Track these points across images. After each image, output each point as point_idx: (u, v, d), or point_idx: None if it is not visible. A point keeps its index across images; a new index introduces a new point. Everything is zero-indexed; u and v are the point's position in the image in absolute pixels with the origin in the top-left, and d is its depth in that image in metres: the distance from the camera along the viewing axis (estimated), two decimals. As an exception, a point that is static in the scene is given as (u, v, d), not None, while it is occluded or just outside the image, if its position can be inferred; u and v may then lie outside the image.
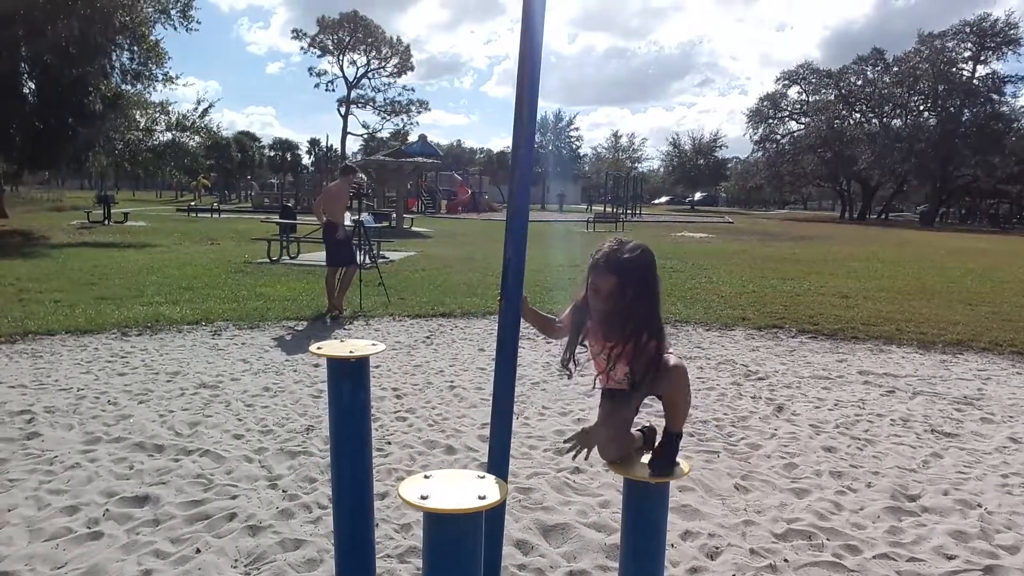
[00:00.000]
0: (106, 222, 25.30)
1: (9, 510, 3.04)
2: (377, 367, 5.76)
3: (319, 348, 2.05)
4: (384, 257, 13.73)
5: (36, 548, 2.74)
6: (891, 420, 4.71)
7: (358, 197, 12.43)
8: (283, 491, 3.30)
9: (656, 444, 2.14)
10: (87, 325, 6.94)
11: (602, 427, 2.10)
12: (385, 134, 71.04)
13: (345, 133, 70.53)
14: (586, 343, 2.14)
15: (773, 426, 4.53)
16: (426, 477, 1.47)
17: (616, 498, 3.29)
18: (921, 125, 48.32)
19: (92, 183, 55.43)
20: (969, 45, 47.13)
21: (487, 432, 4.22)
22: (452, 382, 5.38)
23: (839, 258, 16.88)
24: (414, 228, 25.60)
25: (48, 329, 6.70)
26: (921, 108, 49.77)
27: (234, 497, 3.21)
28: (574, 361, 2.15)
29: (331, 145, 74.52)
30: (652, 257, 2.01)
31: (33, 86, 18.94)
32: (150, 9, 19.78)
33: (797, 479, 3.67)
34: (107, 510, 3.03)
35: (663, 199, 79.18)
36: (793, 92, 56.25)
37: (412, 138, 58.59)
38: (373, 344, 2.11)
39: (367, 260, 10.08)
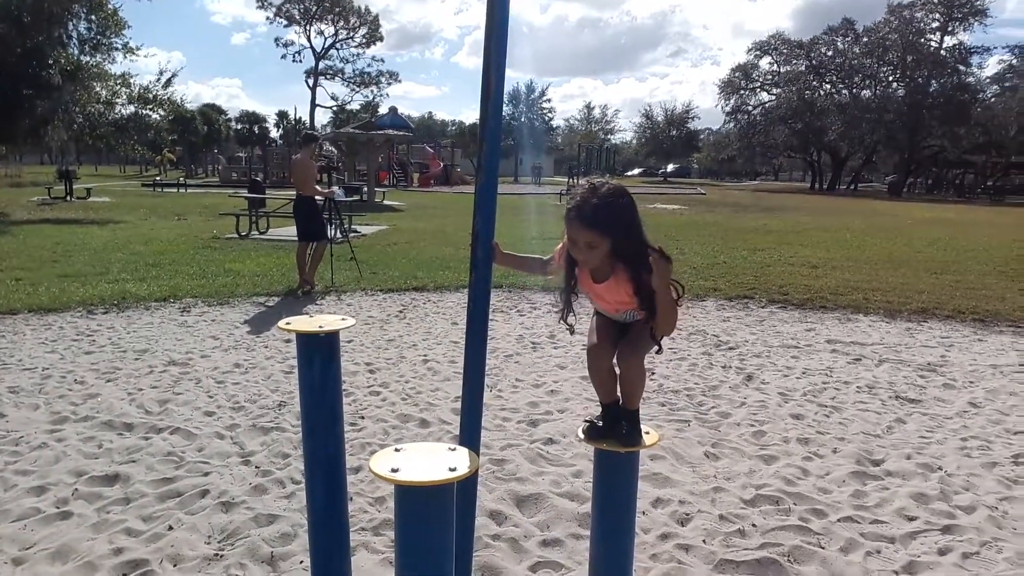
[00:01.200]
0: (68, 198, 24.66)
1: (-26, 492, 2.99)
2: (349, 342, 5.73)
3: (288, 324, 2.03)
4: (356, 231, 13.60)
5: (2, 529, 2.70)
6: (857, 387, 4.82)
7: (328, 170, 12.24)
8: (256, 467, 3.28)
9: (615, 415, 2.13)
10: (51, 303, 6.79)
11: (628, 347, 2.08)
12: (355, 106, 69.95)
13: (314, 105, 69.33)
14: (578, 289, 2.13)
15: (743, 395, 4.61)
16: (397, 450, 1.47)
17: (588, 468, 3.33)
18: (890, 96, 48.81)
19: (52, 158, 53.87)
20: (937, 16, 47.54)
21: (459, 405, 4.25)
22: (425, 356, 5.37)
23: (809, 229, 17.09)
24: (386, 202, 25.34)
25: (10, 308, 6.54)
26: (890, 79, 50.26)
27: (206, 474, 3.19)
28: (572, 312, 2.13)
29: (300, 118, 73.16)
30: (627, 198, 1.99)
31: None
32: (106, -25, 19.14)
33: (765, 446, 3.74)
34: (76, 489, 3.00)
35: (636, 171, 79.24)
36: (764, 63, 56.38)
37: (383, 110, 57.73)
38: (343, 319, 2.09)
39: (338, 234, 9.98)
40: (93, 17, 19.13)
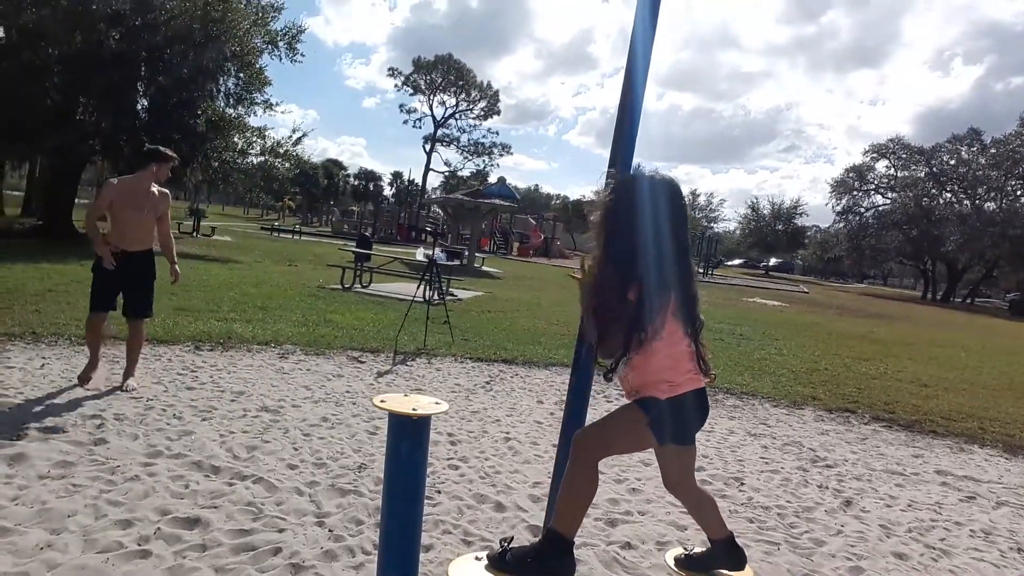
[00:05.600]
0: (195, 234, 26.59)
1: (69, 516, 3.12)
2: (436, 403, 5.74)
3: (383, 401, 2.04)
4: (453, 295, 13.87)
5: (88, 559, 2.79)
6: (971, 531, 4.38)
7: (434, 235, 12.62)
8: (329, 530, 3.28)
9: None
10: (164, 335, 7.20)
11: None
12: (466, 173, 72.67)
13: (427, 169, 72.50)
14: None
15: (839, 521, 4.28)
16: (477, 559, 1.42)
17: (666, 582, 3.15)
18: (1017, 210, 46.15)
19: (186, 195, 58.42)
20: (1074, 131, 45.04)
21: (538, 491, 4.15)
22: (508, 433, 5.31)
23: (920, 342, 16.10)
24: (484, 267, 25.86)
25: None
26: (1019, 192, 47.63)
27: (281, 531, 3.21)
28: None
29: (412, 179, 76.51)
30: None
31: (146, 103, 20.21)
32: (259, 40, 20.93)
33: (863, 585, 3.43)
34: (159, 528, 3.08)
35: (737, 261, 77.76)
36: (881, 166, 54.78)
37: (492, 179, 59.61)
38: (437, 403, 2.09)
39: (435, 296, 10.19)
40: (241, 74, 20.89)
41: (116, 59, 17.19)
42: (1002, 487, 5.41)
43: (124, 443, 4.10)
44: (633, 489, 4.39)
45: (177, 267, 5.75)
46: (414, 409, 2.01)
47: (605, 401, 6.70)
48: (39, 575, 2.65)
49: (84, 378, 5.16)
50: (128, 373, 5.38)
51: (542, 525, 3.59)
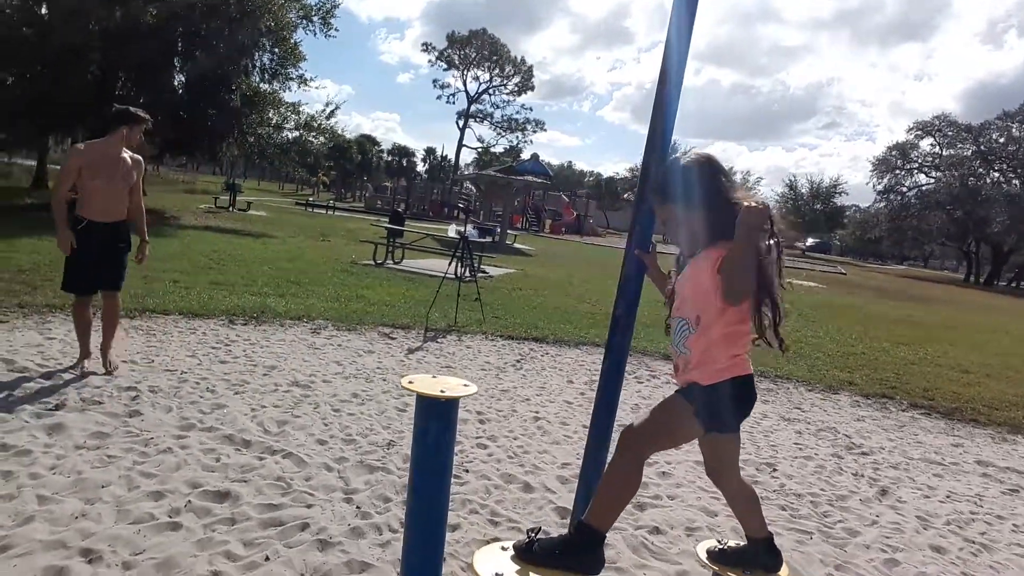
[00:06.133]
0: (231, 208, 26.94)
1: (103, 487, 3.18)
2: (464, 387, 5.74)
3: (411, 383, 2.01)
4: (484, 272, 13.85)
5: (120, 530, 2.84)
6: (1014, 525, 4.24)
7: (466, 211, 12.60)
8: (357, 507, 3.29)
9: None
10: (199, 309, 7.30)
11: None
12: (499, 149, 72.32)
13: (460, 145, 72.30)
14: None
15: (875, 511, 4.18)
16: (503, 549, 1.38)
17: (695, 568, 3.10)
18: (1070, 192, 44.57)
19: (222, 169, 59.17)
20: None
21: (567, 473, 4.12)
22: (537, 413, 5.28)
23: (962, 326, 15.68)
24: (516, 245, 25.79)
25: (164, 309, 7.09)
26: (1071, 173, 45.94)
27: (309, 506, 3.23)
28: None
29: (446, 155, 76.44)
30: (699, 166, 1.86)
31: (183, 79, 20.42)
32: (293, 15, 20.93)
33: (899, 578, 3.34)
34: (189, 501, 3.12)
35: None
36: (926, 144, 53.14)
37: (525, 155, 59.26)
38: (466, 385, 2.05)
39: (467, 273, 10.17)
40: (276, 50, 20.97)
41: (154, 34, 17.34)
42: (1047, 479, 5.24)
43: (158, 415, 4.16)
44: (663, 472, 4.34)
45: (149, 246, 5.15)
46: (442, 391, 1.97)
47: (636, 383, 6.64)
48: (74, 543, 2.70)
49: (82, 371, 4.75)
50: (106, 348, 4.94)
51: (571, 508, 3.57)
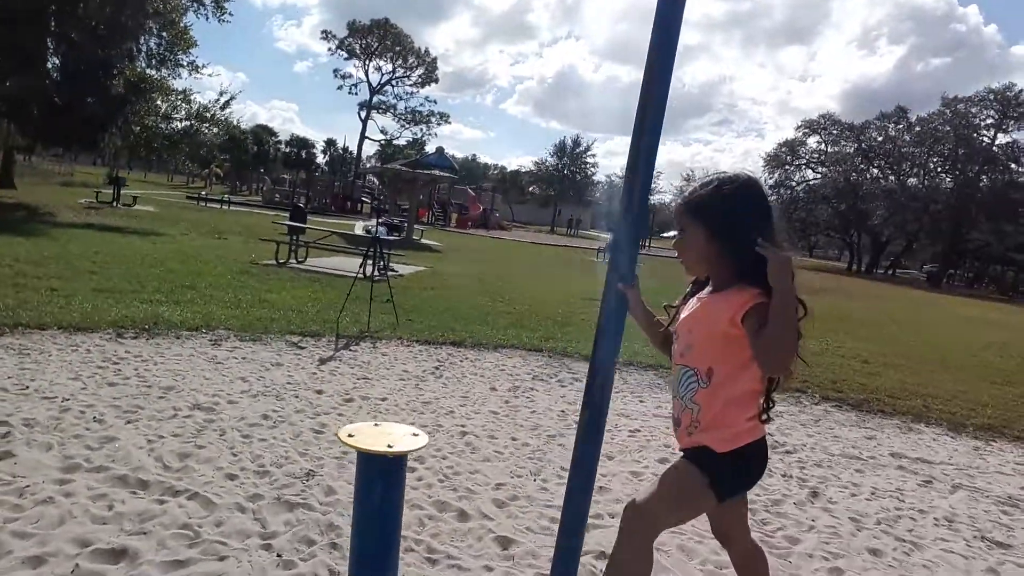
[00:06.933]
0: (114, 204, 25.02)
1: (-33, 551, 2.68)
2: (384, 400, 5.40)
3: (350, 436, 1.71)
4: (393, 270, 13.40)
5: (-10, 608, 2.38)
6: (935, 519, 4.34)
7: (377, 210, 12.09)
8: (278, 555, 2.93)
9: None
10: (82, 321, 6.58)
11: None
12: (402, 142, 71.13)
13: (363, 137, 70.58)
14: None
15: (810, 515, 4.16)
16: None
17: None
18: (938, 186, 48.33)
19: (104, 160, 55.22)
20: (992, 113, 47.21)
21: (501, 495, 3.87)
22: (463, 426, 5.01)
23: (853, 316, 16.53)
24: (423, 240, 25.32)
25: (40, 323, 6.34)
26: (939, 170, 49.84)
27: (222, 558, 2.83)
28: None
29: (347, 147, 74.48)
30: (746, 190, 1.66)
31: (57, 62, 18.76)
32: (183, -4, 19.67)
33: (845, 590, 3.30)
34: (76, 566, 2.65)
35: (672, 232, 79.13)
36: (812, 141, 56.33)
37: (429, 148, 58.48)
38: (416, 434, 1.77)
39: (377, 273, 9.76)
40: (164, 34, 19.62)
41: (21, 12, 15.77)
42: (954, 468, 5.45)
43: (35, 455, 3.61)
44: (601, 488, 4.17)
45: None
46: (389, 446, 1.69)
47: (560, 386, 6.48)
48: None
49: None
50: None
51: (510, 537, 3.33)
